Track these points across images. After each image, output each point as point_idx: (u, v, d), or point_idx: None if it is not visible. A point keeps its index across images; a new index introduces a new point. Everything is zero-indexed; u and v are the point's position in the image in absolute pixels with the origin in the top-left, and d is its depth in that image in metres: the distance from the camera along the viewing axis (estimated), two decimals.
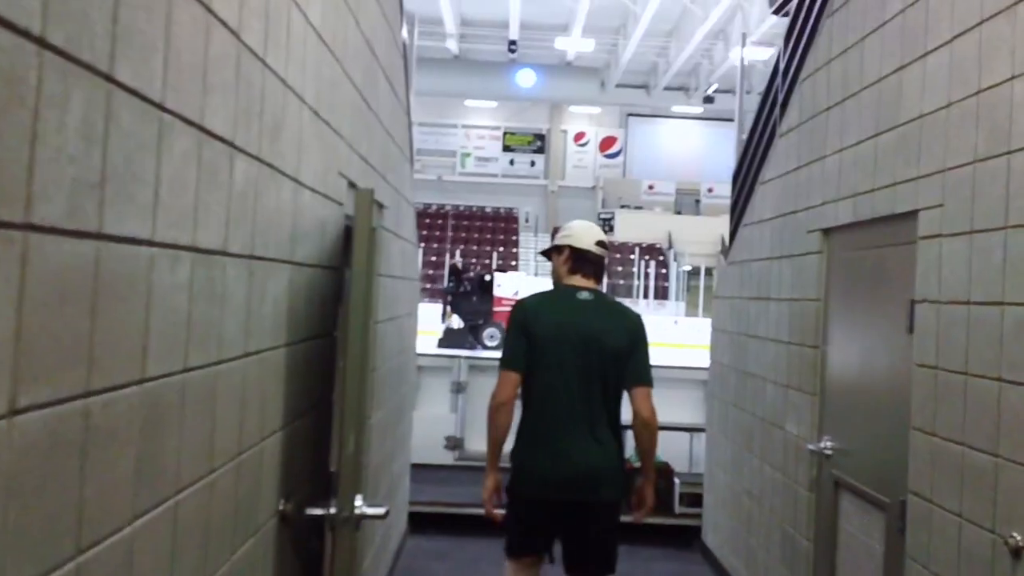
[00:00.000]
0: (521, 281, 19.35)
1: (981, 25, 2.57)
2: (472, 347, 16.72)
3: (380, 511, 2.71)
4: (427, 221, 32.32)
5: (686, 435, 6.80)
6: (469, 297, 18.38)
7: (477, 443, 7.41)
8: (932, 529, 2.80)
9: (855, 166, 3.40)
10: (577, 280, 3.32)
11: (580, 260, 3.32)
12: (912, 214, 2.92)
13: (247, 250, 1.92)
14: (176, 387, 1.53)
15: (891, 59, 3.13)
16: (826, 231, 3.74)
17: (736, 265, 5.19)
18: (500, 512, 3.29)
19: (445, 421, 7.59)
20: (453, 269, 22.00)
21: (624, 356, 3.22)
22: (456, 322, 18.72)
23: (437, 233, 31.25)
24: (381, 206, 3.82)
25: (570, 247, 3.33)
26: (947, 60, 2.76)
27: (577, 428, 3.17)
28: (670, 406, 8.07)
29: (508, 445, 3.28)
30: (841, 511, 3.61)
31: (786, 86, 4.54)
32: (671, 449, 6.65)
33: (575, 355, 3.18)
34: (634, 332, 3.29)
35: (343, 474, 2.35)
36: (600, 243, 3.35)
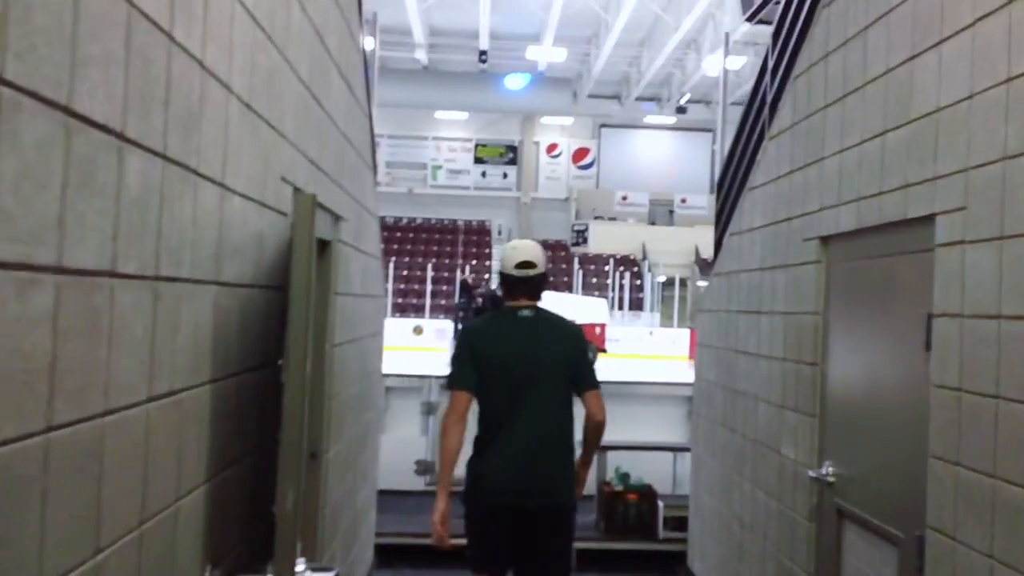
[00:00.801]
0: None
1: (1010, 5, 2.27)
2: None
3: None
4: (398, 235, 31.93)
5: (669, 455, 6.46)
6: (482, 313, 18.09)
7: None
8: (956, 569, 2.48)
9: (859, 167, 3.10)
10: (517, 300, 3.50)
11: (509, 283, 3.53)
12: (928, 219, 2.61)
13: (149, 270, 1.55)
14: (32, 454, 1.16)
15: (900, 49, 2.83)
16: (825, 239, 3.42)
17: (723, 276, 4.88)
18: (451, 541, 3.30)
19: (415, 444, 7.19)
20: (464, 285, 21.73)
21: (567, 364, 3.42)
22: None
23: (408, 247, 30.84)
24: (338, 217, 3.45)
25: (500, 273, 3.56)
26: (968, 46, 2.45)
27: (527, 437, 3.35)
28: (651, 424, 7.80)
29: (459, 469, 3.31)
30: (846, 543, 3.28)
31: (775, 85, 4.25)
32: (653, 470, 6.32)
33: (520, 369, 3.37)
34: (574, 341, 3.52)
35: (280, 535, 1.97)
36: (522, 264, 3.48)
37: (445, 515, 3.31)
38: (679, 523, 5.70)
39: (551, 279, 3.94)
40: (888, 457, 2.92)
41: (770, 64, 4.37)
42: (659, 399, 7.25)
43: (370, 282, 4.63)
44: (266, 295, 2.40)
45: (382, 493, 6.82)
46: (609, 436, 6.78)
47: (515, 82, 25.82)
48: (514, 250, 3.56)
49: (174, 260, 1.67)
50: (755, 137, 4.55)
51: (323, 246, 3.40)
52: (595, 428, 3.45)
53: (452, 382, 3.40)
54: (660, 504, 6.06)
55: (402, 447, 7.09)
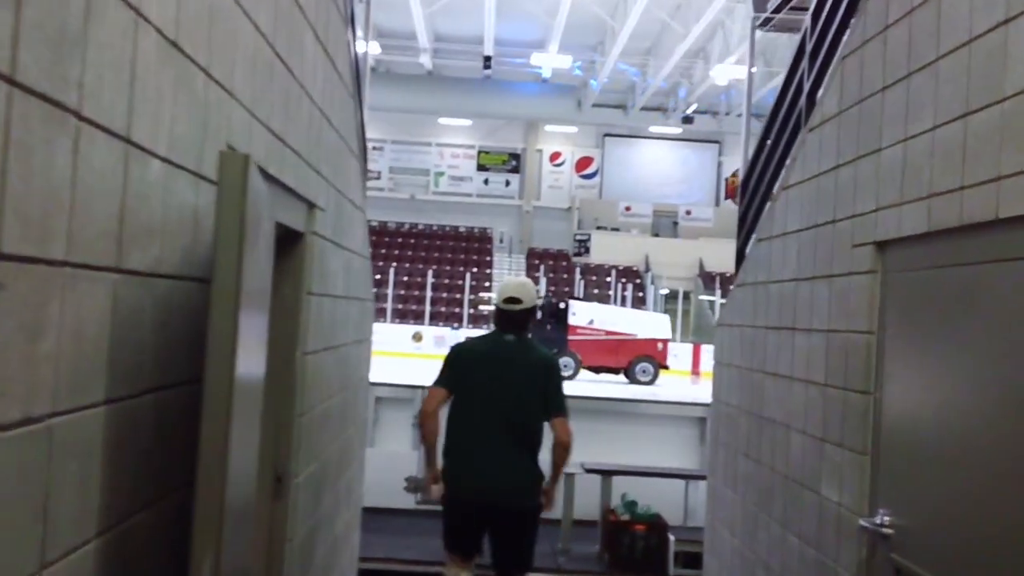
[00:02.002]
0: (596, 310, 18.74)
1: None
2: None
3: None
4: (399, 240, 31.45)
5: (680, 482, 5.92)
6: (542, 326, 17.81)
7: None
8: None
9: (930, 158, 2.59)
10: (506, 328, 4.01)
11: (499, 315, 4.05)
12: None
13: None
14: None
15: (990, 11, 2.33)
16: (881, 244, 2.92)
17: (747, 288, 4.37)
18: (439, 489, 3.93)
19: (406, 459, 6.66)
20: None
21: (538, 388, 3.90)
22: None
23: (409, 253, 30.36)
24: (311, 205, 2.95)
25: (495, 304, 4.13)
26: None
27: (490, 444, 3.84)
28: (659, 447, 7.23)
29: None
30: None
31: (815, 71, 3.75)
32: (663, 498, 5.80)
33: (495, 384, 3.87)
34: (546, 366, 4.00)
35: None
36: (509, 299, 4.00)
37: (435, 477, 3.95)
38: (692, 559, 5.17)
39: (541, 308, 4.65)
40: (975, 511, 2.40)
41: (808, 47, 3.88)
42: (668, 419, 6.72)
43: (355, 283, 4.13)
44: (201, 289, 1.90)
45: (368, 511, 6.30)
46: (614, 459, 6.25)
47: (562, 62, 24.56)
48: (506, 286, 4.12)
49: (34, 234, 1.17)
50: (788, 130, 4.06)
51: (294, 239, 2.90)
52: (561, 450, 3.92)
53: (434, 382, 3.99)
54: (671, 537, 5.52)
55: (392, 462, 6.56)
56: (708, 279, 30.13)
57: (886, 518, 2.78)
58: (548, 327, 17.93)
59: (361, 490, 4.74)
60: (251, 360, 1.75)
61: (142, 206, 1.54)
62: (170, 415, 1.75)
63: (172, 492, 1.78)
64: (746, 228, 4.72)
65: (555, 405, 3.90)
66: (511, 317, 3.99)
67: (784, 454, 3.69)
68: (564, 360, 17.45)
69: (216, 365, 1.47)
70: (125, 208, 1.47)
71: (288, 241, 2.84)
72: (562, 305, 18.71)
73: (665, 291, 28.20)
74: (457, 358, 3.99)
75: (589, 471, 5.45)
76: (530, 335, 4.09)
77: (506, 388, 3.86)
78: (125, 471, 1.55)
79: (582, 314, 17.88)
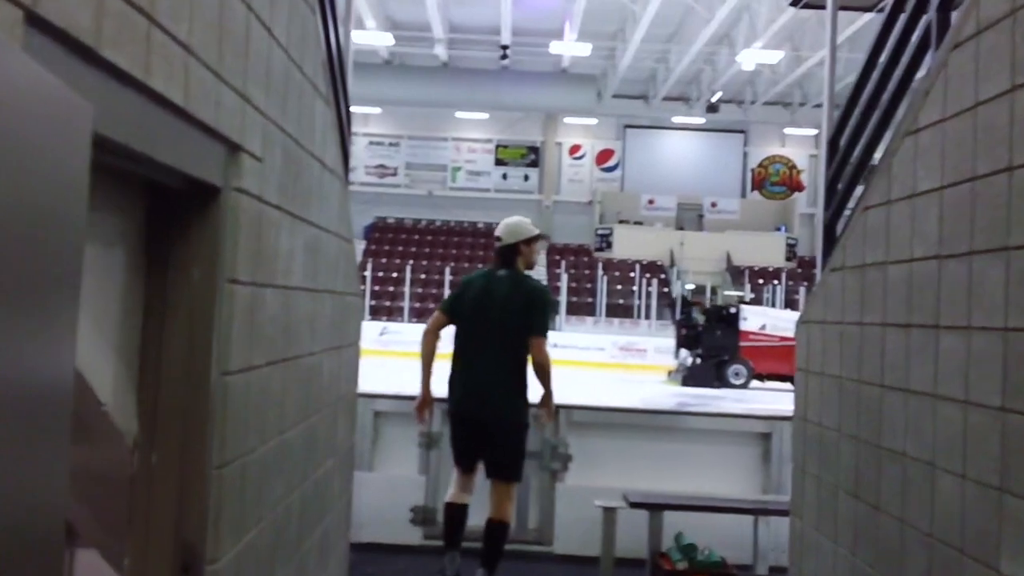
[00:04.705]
0: (768, 314, 18.10)
1: None
2: (717, 386, 15.77)
3: None
4: (416, 237, 30.50)
5: (748, 518, 4.82)
6: (711, 331, 17.13)
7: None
8: None
9: None
10: (499, 264, 4.67)
11: (495, 252, 4.74)
12: None
13: None
14: None
15: None
16: None
17: (848, 272, 3.31)
18: (424, 421, 4.91)
19: (412, 485, 5.62)
20: (685, 301, 21.19)
21: (523, 314, 4.44)
22: (683, 356, 17.73)
23: (427, 250, 29.42)
24: (235, 147, 1.93)
25: None
26: None
27: (483, 363, 4.46)
28: (714, 471, 5.92)
29: None
30: None
31: None
32: (726, 537, 4.72)
33: (486, 312, 4.49)
34: (531, 295, 4.54)
35: None
36: (496, 238, 4.72)
37: (421, 402, 4.67)
38: None
39: (522, 250, 4.66)
40: None
41: None
42: (723, 435, 5.64)
43: (329, 271, 3.11)
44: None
45: (368, 548, 5.30)
46: (658, 484, 5.13)
47: None
48: (499, 226, 4.76)
49: None
50: (912, 54, 2.99)
51: (202, 197, 1.88)
52: (538, 368, 4.46)
53: (439, 308, 4.68)
54: None
55: (395, 489, 5.54)
56: (736, 273, 28.99)
57: None
58: (718, 333, 17.34)
59: (346, 542, 3.72)
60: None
61: None
62: None
63: None
64: (837, 198, 3.67)
65: (534, 328, 4.41)
66: (499, 253, 4.65)
67: (924, 503, 2.63)
68: (736, 367, 16.60)
69: None
70: None
71: (192, 200, 1.82)
72: (732, 310, 18.07)
73: (691, 286, 27.14)
74: (458, 290, 4.70)
75: (635, 505, 4.39)
76: (523, 271, 4.63)
77: (494, 317, 4.43)
78: None
79: (754, 319, 17.18)
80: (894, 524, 2.84)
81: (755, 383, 17.00)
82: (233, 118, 1.87)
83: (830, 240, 3.70)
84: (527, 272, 4.69)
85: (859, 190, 3.54)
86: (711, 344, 17.11)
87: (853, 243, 3.30)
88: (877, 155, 3.36)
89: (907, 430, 2.80)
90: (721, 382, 16.48)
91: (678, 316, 20.29)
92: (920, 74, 3.00)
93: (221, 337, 1.88)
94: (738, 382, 16.66)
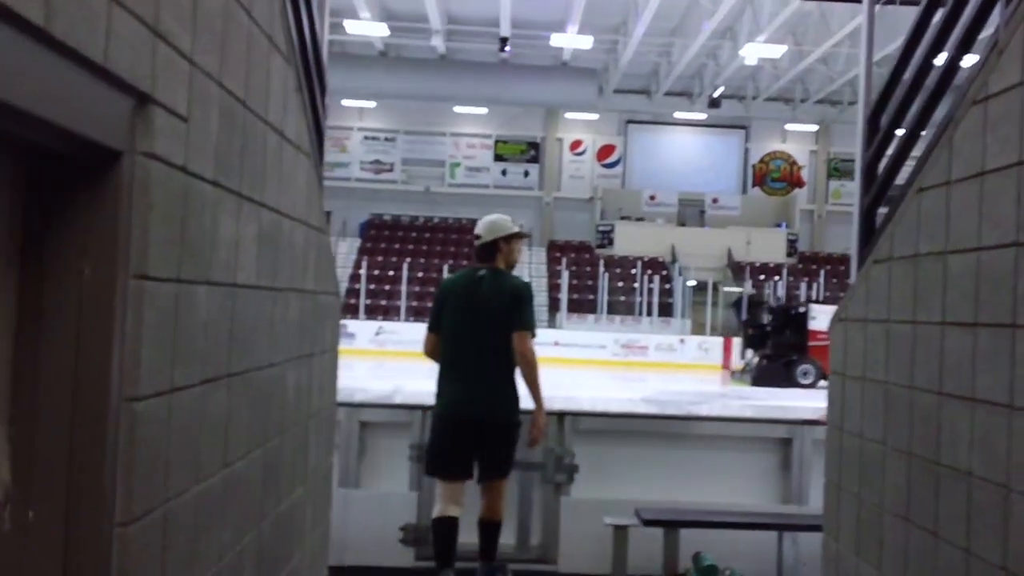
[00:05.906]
0: None
1: None
2: (786, 385, 15.45)
3: None
4: (413, 235, 30.03)
5: (772, 533, 4.37)
6: (780, 331, 16.76)
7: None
8: None
9: None
10: (479, 262, 4.64)
11: (475, 251, 4.70)
12: None
13: None
14: None
15: None
16: None
17: (899, 263, 2.87)
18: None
19: (402, 502, 5.19)
20: (751, 300, 21.01)
21: (503, 312, 4.36)
22: (748, 356, 17.46)
23: (424, 247, 28.97)
24: (145, 98, 1.49)
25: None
26: None
27: (470, 365, 4.39)
28: (729, 482, 5.52)
29: None
30: None
31: None
32: (745, 552, 4.29)
33: (470, 313, 4.43)
34: (514, 293, 4.44)
35: None
36: (475, 236, 4.69)
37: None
38: None
39: (501, 247, 4.53)
40: None
41: None
42: (739, 441, 5.20)
43: (295, 266, 2.68)
44: None
45: (354, 572, 4.87)
46: (669, 494, 4.68)
47: None
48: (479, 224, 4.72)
49: None
50: (971, 6, 2.56)
51: (98, 162, 1.44)
52: (522, 363, 4.34)
53: (427, 328, 4.61)
54: None
55: (383, 507, 5.10)
56: (737, 269, 28.59)
57: None
58: (786, 332, 17.03)
59: (324, 557, 3.27)
60: None
61: None
62: None
63: None
64: (877, 181, 3.23)
65: (517, 322, 4.32)
66: (478, 251, 4.60)
67: (996, 530, 2.20)
68: (804, 367, 16.32)
69: None
70: None
71: (81, 170, 1.38)
72: (801, 309, 17.73)
73: (693, 283, 26.73)
74: (439, 298, 4.59)
75: (648, 523, 3.95)
76: (504, 269, 4.53)
77: (477, 317, 4.38)
78: None
79: (823, 318, 16.86)
80: (957, 554, 2.41)
81: (823, 382, 16.76)
82: (137, 56, 1.43)
83: (869, 229, 3.27)
84: (509, 270, 4.61)
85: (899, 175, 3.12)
86: (779, 344, 16.81)
87: (903, 231, 2.86)
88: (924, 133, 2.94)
89: (973, 445, 2.36)
90: (790, 382, 16.06)
91: (743, 316, 19.99)
92: (985, 33, 2.57)
93: (125, 351, 1.44)
94: (807, 382, 16.24)
